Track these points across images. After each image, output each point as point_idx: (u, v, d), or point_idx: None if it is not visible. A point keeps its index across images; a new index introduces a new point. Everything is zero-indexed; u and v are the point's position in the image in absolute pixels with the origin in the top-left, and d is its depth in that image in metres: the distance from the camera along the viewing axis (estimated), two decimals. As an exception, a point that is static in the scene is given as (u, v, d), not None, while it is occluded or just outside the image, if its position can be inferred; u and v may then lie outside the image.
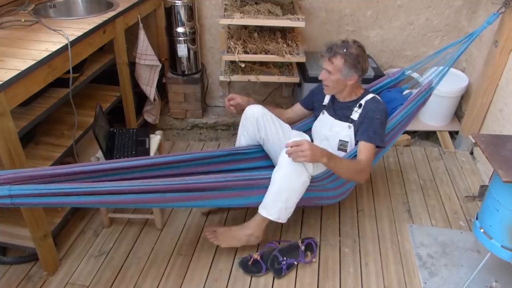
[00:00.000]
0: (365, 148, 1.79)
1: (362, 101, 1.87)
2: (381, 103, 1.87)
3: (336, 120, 1.91)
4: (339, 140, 1.89)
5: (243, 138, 2.01)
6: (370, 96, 1.88)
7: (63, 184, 1.48)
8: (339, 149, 1.90)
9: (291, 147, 1.61)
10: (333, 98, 1.97)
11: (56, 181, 1.53)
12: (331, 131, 1.93)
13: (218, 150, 1.96)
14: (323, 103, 2.01)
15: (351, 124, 1.87)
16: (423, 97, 2.05)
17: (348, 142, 1.88)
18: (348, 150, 1.89)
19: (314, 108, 2.09)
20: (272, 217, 1.76)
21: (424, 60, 2.18)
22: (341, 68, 1.78)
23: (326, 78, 1.83)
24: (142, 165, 1.70)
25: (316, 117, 2.05)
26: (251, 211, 2.19)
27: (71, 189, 1.46)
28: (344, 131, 1.88)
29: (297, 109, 2.15)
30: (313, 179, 1.76)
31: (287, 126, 2.02)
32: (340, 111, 1.92)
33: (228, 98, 2.04)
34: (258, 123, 1.93)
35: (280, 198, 1.72)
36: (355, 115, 1.86)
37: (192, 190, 1.64)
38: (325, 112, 1.97)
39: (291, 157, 1.63)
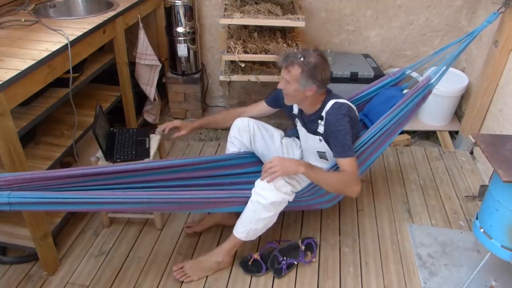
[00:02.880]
0: (343, 163, 1.69)
1: (323, 113, 1.75)
2: (342, 108, 1.71)
3: (308, 133, 1.86)
4: (317, 151, 1.87)
5: (233, 147, 2.02)
6: (330, 103, 1.73)
7: (62, 193, 1.48)
8: (320, 157, 1.88)
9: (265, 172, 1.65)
10: (300, 109, 1.89)
11: (56, 184, 1.52)
12: (307, 143, 1.90)
13: (215, 156, 1.98)
14: (293, 111, 1.93)
15: (321, 137, 1.80)
16: (421, 93, 2.01)
17: (325, 152, 1.83)
18: (328, 159, 1.85)
19: (281, 107, 2.00)
20: (239, 235, 1.76)
21: (425, 59, 2.17)
22: (298, 78, 1.66)
23: (285, 87, 1.72)
24: (141, 169, 1.71)
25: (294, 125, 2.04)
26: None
27: (70, 198, 1.46)
28: (317, 143, 1.83)
29: (262, 107, 2.04)
30: (298, 193, 1.75)
31: (279, 134, 2.03)
32: (309, 124, 1.85)
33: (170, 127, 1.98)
34: (250, 136, 1.97)
35: (250, 221, 1.73)
36: (321, 128, 1.78)
37: (186, 203, 1.68)
38: (298, 122, 1.93)
39: (268, 182, 1.64)
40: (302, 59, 1.64)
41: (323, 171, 1.71)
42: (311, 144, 1.87)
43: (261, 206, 1.67)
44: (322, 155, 1.86)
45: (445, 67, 2.06)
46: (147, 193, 1.61)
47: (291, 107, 1.92)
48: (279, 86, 1.76)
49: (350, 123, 1.70)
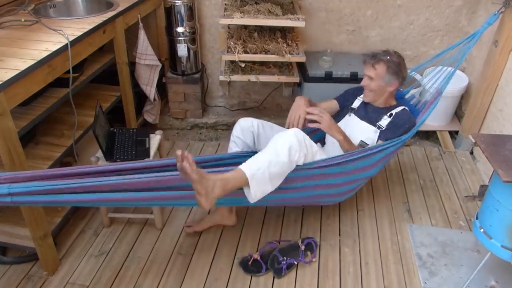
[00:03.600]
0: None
1: (393, 111, 1.93)
2: (412, 117, 1.96)
3: (363, 122, 1.96)
4: (361, 140, 1.93)
5: (235, 147, 2.02)
6: (401, 107, 1.96)
7: (64, 181, 1.47)
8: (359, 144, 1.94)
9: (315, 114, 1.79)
10: (366, 102, 2.01)
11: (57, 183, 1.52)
12: (354, 131, 1.96)
13: (216, 154, 1.96)
14: (352, 106, 2.06)
15: (377, 130, 1.92)
16: (435, 106, 2.06)
17: (368, 145, 1.92)
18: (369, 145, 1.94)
19: (344, 106, 2.13)
20: (245, 168, 1.56)
21: (425, 63, 2.18)
22: (383, 75, 1.85)
23: (368, 84, 1.90)
24: (142, 167, 1.70)
25: (338, 118, 2.09)
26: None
27: (72, 185, 1.44)
28: (368, 133, 1.92)
29: (333, 104, 2.15)
30: (305, 166, 1.71)
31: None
32: (371, 113, 1.96)
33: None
34: (254, 135, 1.97)
35: (263, 160, 1.59)
36: (384, 122, 1.92)
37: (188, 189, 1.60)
38: (352, 114, 2.02)
39: (310, 117, 1.79)
40: (388, 57, 1.84)
41: (351, 145, 1.86)
42: (359, 132, 1.94)
43: (280, 144, 1.60)
44: (363, 145, 1.92)
45: (451, 73, 2.06)
46: (153, 176, 1.55)
47: (351, 103, 2.07)
48: (362, 84, 1.93)
49: (410, 131, 1.93)
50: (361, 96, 2.05)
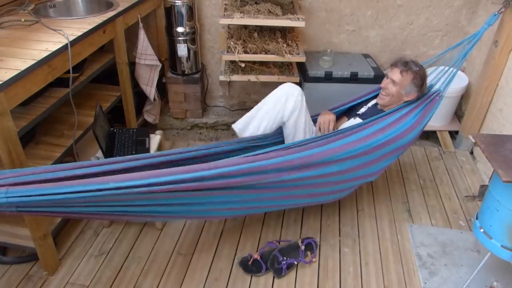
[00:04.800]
0: None
1: None
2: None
3: (358, 119, 1.96)
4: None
5: (266, 122, 1.97)
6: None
7: (64, 184, 1.43)
8: None
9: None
10: (374, 107, 2.02)
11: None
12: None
13: (228, 143, 1.92)
14: (357, 112, 2.06)
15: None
16: (437, 107, 2.04)
17: None
18: None
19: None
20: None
21: (425, 62, 2.17)
22: (406, 84, 1.87)
23: (389, 87, 1.91)
24: (144, 165, 1.69)
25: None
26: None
27: (75, 188, 1.36)
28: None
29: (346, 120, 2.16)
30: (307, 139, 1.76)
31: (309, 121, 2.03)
32: (370, 115, 1.95)
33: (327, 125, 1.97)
34: (296, 107, 1.92)
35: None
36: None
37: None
38: (357, 118, 2.02)
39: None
40: (417, 69, 1.87)
41: None
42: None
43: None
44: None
45: (452, 74, 2.05)
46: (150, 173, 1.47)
47: (358, 110, 2.08)
48: (383, 85, 1.93)
49: None
50: (370, 103, 2.05)
